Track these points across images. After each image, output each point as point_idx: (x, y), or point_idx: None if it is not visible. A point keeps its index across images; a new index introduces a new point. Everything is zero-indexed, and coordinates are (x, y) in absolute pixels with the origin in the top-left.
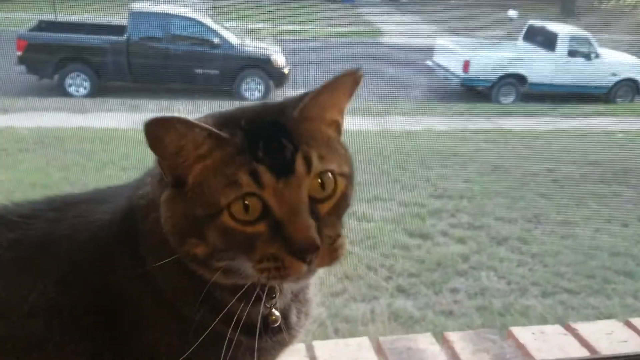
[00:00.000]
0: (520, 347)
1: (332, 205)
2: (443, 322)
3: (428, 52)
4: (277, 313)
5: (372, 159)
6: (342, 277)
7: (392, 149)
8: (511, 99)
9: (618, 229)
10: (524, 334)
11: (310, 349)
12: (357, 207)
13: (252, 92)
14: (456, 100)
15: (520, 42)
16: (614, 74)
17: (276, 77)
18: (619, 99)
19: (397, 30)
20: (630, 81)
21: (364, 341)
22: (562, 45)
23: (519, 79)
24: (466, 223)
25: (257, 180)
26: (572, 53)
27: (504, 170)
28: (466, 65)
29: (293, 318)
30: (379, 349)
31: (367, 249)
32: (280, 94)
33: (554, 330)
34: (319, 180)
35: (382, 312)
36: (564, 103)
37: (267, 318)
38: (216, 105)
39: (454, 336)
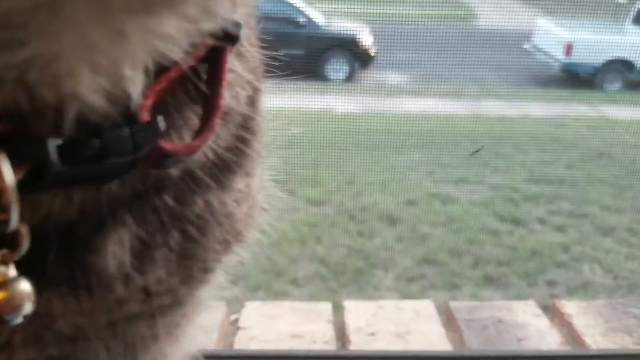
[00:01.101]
0: None
1: None
2: None
3: (526, 35)
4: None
5: (459, 141)
6: (420, 260)
7: (482, 132)
8: (617, 86)
9: None
10: None
11: (338, 311)
12: (440, 188)
13: (337, 72)
14: (556, 86)
15: (629, 26)
16: None
17: (361, 57)
18: None
19: (493, 12)
20: None
21: (426, 306)
22: None
23: (627, 65)
24: (567, 210)
25: None
26: None
27: (609, 157)
28: (568, 48)
29: (109, 265)
30: (448, 319)
31: (451, 232)
32: (365, 76)
33: None
34: None
35: None
36: None
37: None
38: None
39: (571, 307)
